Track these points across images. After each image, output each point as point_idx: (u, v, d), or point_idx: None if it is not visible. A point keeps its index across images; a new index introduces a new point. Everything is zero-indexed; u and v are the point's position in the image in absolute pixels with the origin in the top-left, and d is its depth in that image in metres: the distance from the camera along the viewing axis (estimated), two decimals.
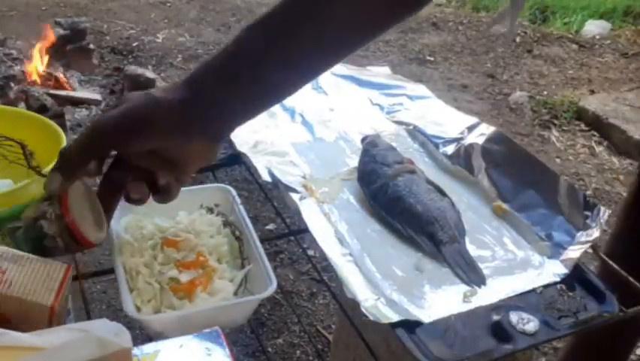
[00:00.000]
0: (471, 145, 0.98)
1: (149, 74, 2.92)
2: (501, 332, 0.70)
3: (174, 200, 0.64)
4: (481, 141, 0.98)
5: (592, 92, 3.32)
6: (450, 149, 1.00)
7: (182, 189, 0.85)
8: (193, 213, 0.79)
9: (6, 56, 2.93)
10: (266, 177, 0.89)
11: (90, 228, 0.61)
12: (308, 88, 1.16)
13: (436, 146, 1.02)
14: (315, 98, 1.14)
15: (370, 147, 0.94)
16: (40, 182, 0.76)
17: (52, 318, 0.57)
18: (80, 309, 0.70)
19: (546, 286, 0.76)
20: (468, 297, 0.74)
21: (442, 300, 0.74)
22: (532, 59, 3.62)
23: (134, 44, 3.55)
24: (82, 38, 3.12)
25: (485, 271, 0.78)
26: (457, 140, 1.00)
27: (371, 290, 0.72)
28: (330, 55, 0.60)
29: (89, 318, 0.68)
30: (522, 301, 0.74)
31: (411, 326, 0.69)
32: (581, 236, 0.81)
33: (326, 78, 1.18)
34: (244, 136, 0.98)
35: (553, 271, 0.78)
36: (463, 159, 0.98)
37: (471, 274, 0.77)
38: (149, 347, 0.55)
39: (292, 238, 0.91)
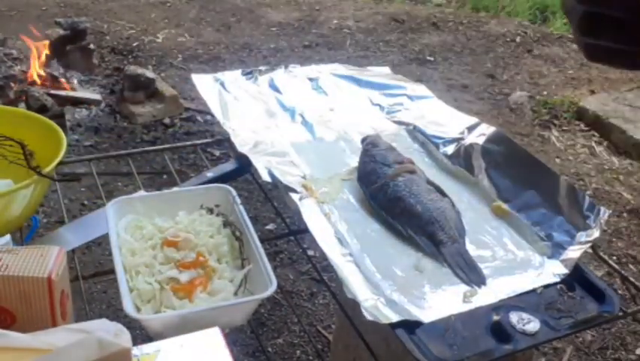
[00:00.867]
0: (471, 145, 0.98)
1: (149, 74, 2.92)
2: (501, 332, 0.70)
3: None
4: (481, 141, 0.98)
5: (592, 92, 3.32)
6: (450, 149, 1.00)
7: (182, 189, 0.86)
8: (193, 213, 0.79)
9: (6, 56, 2.93)
10: (266, 177, 0.89)
11: None
12: (308, 88, 1.16)
13: (436, 146, 1.02)
14: (315, 98, 1.14)
15: (370, 147, 0.94)
16: (41, 182, 0.77)
17: (53, 291, 0.58)
18: (80, 309, 0.70)
19: (546, 287, 0.76)
20: (468, 297, 0.74)
21: (442, 300, 0.74)
22: (532, 59, 3.63)
23: (134, 44, 3.55)
24: (82, 38, 3.12)
25: (485, 271, 0.78)
26: (457, 140, 1.00)
27: (371, 290, 0.72)
28: None
29: (89, 318, 0.68)
30: (522, 301, 0.74)
31: (411, 326, 0.69)
32: (581, 236, 0.81)
33: (326, 78, 1.18)
34: (244, 136, 0.98)
35: (553, 271, 0.78)
36: (463, 159, 0.98)
37: (471, 275, 0.77)
38: (149, 347, 0.55)
39: (292, 238, 0.91)
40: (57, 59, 2.98)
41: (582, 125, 3.04)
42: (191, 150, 2.45)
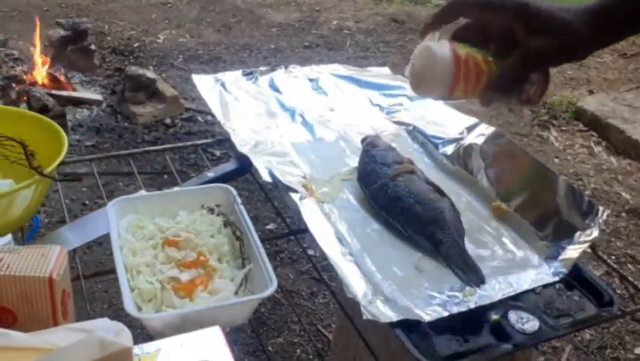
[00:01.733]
0: (470, 145, 0.98)
1: (150, 74, 2.93)
2: (500, 331, 0.70)
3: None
4: (480, 141, 0.98)
5: (591, 92, 3.32)
6: (449, 149, 1.00)
7: (183, 189, 0.86)
8: (194, 213, 0.79)
9: (7, 57, 2.93)
10: (266, 177, 0.89)
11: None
12: (308, 88, 1.16)
13: (436, 146, 1.02)
14: (315, 98, 1.14)
15: (370, 148, 0.94)
16: (42, 182, 0.77)
17: (54, 290, 0.58)
18: (81, 308, 0.70)
19: (545, 286, 0.77)
20: (467, 296, 0.74)
21: (441, 299, 0.74)
22: None
23: (135, 45, 3.55)
24: (83, 39, 3.13)
25: (484, 271, 0.78)
26: (457, 140, 1.01)
27: (371, 290, 0.72)
28: None
29: (90, 317, 0.69)
30: (521, 300, 0.74)
31: (410, 325, 0.69)
32: (580, 236, 0.81)
33: (326, 78, 1.19)
34: (244, 136, 0.98)
35: (552, 270, 0.78)
36: (462, 159, 0.98)
37: (470, 274, 0.77)
38: (150, 346, 0.55)
39: (292, 237, 0.92)
40: (58, 60, 2.99)
41: (581, 126, 3.04)
42: (191, 150, 2.45)
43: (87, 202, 2.25)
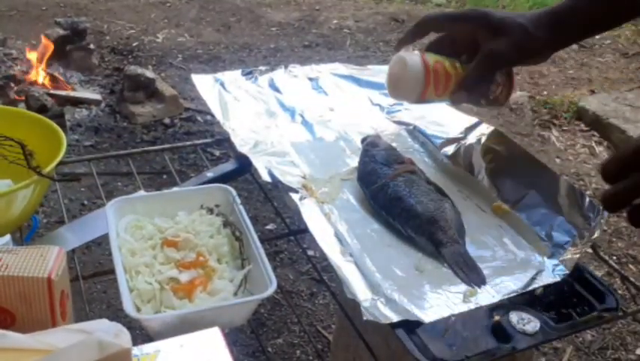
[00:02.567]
0: (471, 145, 0.98)
1: (149, 74, 2.92)
2: (501, 332, 0.70)
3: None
4: (481, 140, 0.98)
5: (592, 92, 3.32)
6: (450, 149, 1.00)
7: (182, 189, 0.86)
8: (193, 213, 0.79)
9: (6, 56, 2.93)
10: (266, 177, 0.89)
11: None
12: (308, 88, 1.16)
13: (436, 146, 1.01)
14: (315, 98, 1.14)
15: (370, 147, 0.94)
16: (41, 182, 0.76)
17: (53, 291, 0.58)
18: (80, 309, 0.70)
19: (546, 287, 0.76)
20: (468, 297, 0.74)
21: (442, 300, 0.74)
22: None
23: (134, 44, 3.55)
24: (82, 38, 3.13)
25: (485, 271, 0.78)
26: (457, 140, 1.00)
27: (371, 290, 0.72)
28: None
29: (89, 318, 0.68)
30: (522, 301, 0.74)
31: (411, 326, 0.68)
32: (581, 236, 0.81)
33: (326, 78, 1.18)
34: (244, 136, 0.98)
35: (553, 271, 0.78)
36: (463, 159, 0.98)
37: (471, 275, 0.77)
38: (149, 347, 0.55)
39: (292, 238, 0.91)
40: (57, 59, 2.99)
41: (582, 125, 3.04)
42: (191, 149, 2.45)
43: (86, 202, 2.25)
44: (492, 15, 0.83)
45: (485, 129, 1.00)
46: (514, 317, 0.71)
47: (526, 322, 0.71)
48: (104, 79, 3.11)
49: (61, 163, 0.80)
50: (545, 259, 0.81)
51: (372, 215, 0.87)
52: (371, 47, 3.82)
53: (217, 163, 1.07)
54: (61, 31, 3.04)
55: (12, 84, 2.73)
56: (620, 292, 1.72)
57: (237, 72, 1.16)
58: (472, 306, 0.72)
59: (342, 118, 1.09)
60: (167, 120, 2.83)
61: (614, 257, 2.18)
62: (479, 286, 0.75)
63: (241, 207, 0.78)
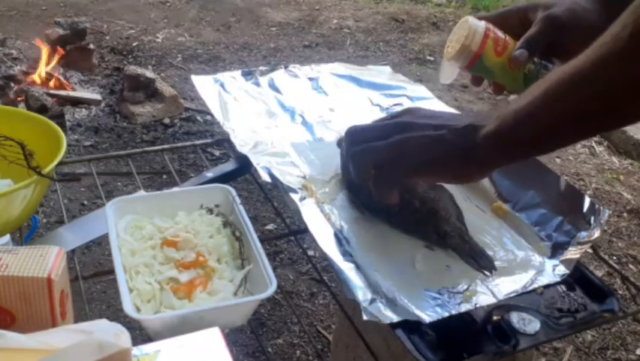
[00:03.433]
0: None
1: (149, 73, 2.92)
2: (501, 332, 0.70)
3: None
4: None
5: None
6: None
7: (182, 189, 0.86)
8: (193, 213, 0.79)
9: (6, 56, 2.93)
10: (266, 177, 0.89)
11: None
12: (308, 88, 1.16)
13: None
14: (315, 98, 1.14)
15: (342, 149, 0.88)
16: (40, 182, 0.76)
17: (53, 291, 0.58)
18: (79, 309, 0.70)
19: (546, 287, 0.76)
20: (468, 297, 0.74)
21: (441, 300, 0.74)
22: None
23: (134, 44, 3.55)
24: (82, 38, 3.13)
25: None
26: None
27: (371, 290, 0.72)
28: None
29: (88, 318, 0.68)
30: (522, 301, 0.74)
31: (411, 326, 0.68)
32: (581, 236, 0.81)
33: (326, 78, 1.18)
34: (244, 136, 0.98)
35: (553, 271, 0.78)
36: None
37: (481, 261, 0.77)
38: (148, 347, 0.55)
39: (292, 238, 0.91)
40: (57, 60, 2.98)
41: None
42: (191, 150, 2.45)
43: (86, 202, 2.25)
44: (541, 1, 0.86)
45: None
46: (514, 317, 0.71)
47: (527, 322, 0.71)
48: (103, 79, 3.11)
49: (61, 163, 0.80)
50: (545, 259, 0.81)
51: (371, 215, 0.87)
52: (371, 46, 3.82)
53: (217, 163, 1.07)
54: (61, 31, 3.04)
55: (12, 84, 2.73)
56: (620, 292, 1.72)
57: (237, 72, 1.16)
58: (472, 306, 0.72)
59: (342, 118, 1.09)
60: (167, 120, 2.83)
61: (614, 257, 2.18)
62: (490, 272, 0.76)
63: (241, 207, 0.78)
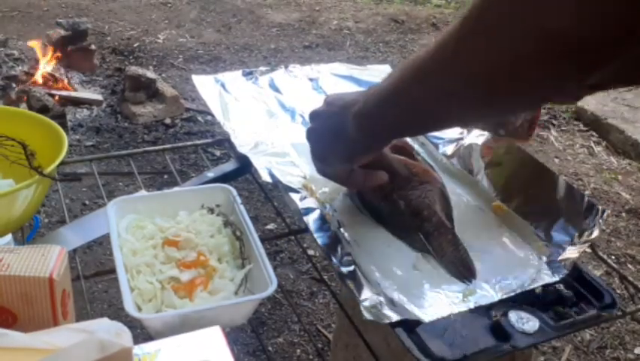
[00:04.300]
0: (470, 145, 0.98)
1: (150, 74, 2.93)
2: (500, 331, 0.70)
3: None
4: (480, 141, 0.98)
5: None
6: (449, 149, 1.00)
7: (183, 189, 0.86)
8: (194, 213, 0.79)
9: (7, 57, 2.93)
10: (266, 177, 0.89)
11: None
12: (308, 88, 1.16)
13: (436, 146, 1.02)
14: (316, 98, 1.14)
15: None
16: (42, 182, 0.77)
17: (54, 290, 0.58)
18: (81, 309, 0.70)
19: (545, 286, 0.76)
20: (467, 296, 0.74)
21: (441, 299, 0.74)
22: None
23: (135, 45, 3.55)
24: (83, 39, 3.13)
25: (485, 271, 0.78)
26: (457, 140, 1.01)
27: (371, 290, 0.72)
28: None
29: (90, 317, 0.69)
30: (521, 300, 0.74)
31: (411, 325, 0.69)
32: (580, 236, 0.81)
33: (326, 78, 1.19)
34: (244, 137, 0.98)
35: (552, 270, 0.78)
36: (462, 159, 0.98)
37: (460, 268, 0.76)
38: (150, 346, 0.55)
39: (292, 237, 0.91)
40: (58, 60, 2.99)
41: (581, 125, 3.04)
42: (191, 150, 2.46)
43: (87, 202, 2.25)
44: None
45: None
46: (513, 316, 0.72)
47: (526, 321, 0.71)
48: (105, 79, 3.11)
49: (62, 163, 0.80)
50: (544, 258, 0.81)
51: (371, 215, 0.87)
52: (371, 47, 3.82)
53: (218, 163, 1.07)
54: (62, 32, 3.04)
55: (14, 85, 2.73)
56: (618, 291, 1.72)
57: (238, 73, 1.17)
58: (471, 305, 0.73)
59: None
60: (168, 120, 2.83)
61: (613, 257, 2.19)
62: (470, 281, 0.75)
63: (242, 206, 0.78)
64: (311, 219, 0.82)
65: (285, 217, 0.97)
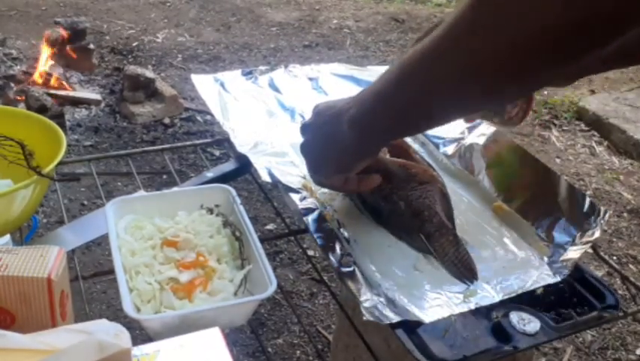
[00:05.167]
0: (471, 145, 0.98)
1: (149, 73, 2.92)
2: (501, 332, 0.70)
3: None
4: (481, 141, 0.98)
5: (592, 92, 3.32)
6: (450, 149, 1.00)
7: (182, 189, 0.86)
8: (193, 213, 0.79)
9: (6, 56, 2.93)
10: (266, 177, 0.88)
11: None
12: (308, 88, 1.16)
13: (436, 146, 1.01)
14: (315, 97, 1.14)
15: None
16: (40, 182, 0.76)
17: (53, 291, 0.58)
18: (80, 309, 0.70)
19: (546, 287, 0.76)
20: (468, 297, 0.74)
21: (442, 300, 0.73)
22: None
23: (134, 44, 3.55)
24: (82, 38, 3.12)
25: (485, 272, 0.77)
26: (458, 140, 1.00)
27: (371, 290, 0.72)
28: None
29: (89, 318, 0.68)
30: (522, 301, 0.74)
31: (411, 326, 0.68)
32: (582, 236, 0.81)
33: (326, 78, 1.18)
34: (244, 137, 0.98)
35: (553, 271, 0.78)
36: (463, 159, 0.98)
37: (462, 269, 0.76)
38: (148, 347, 0.55)
39: (292, 238, 0.91)
40: (57, 59, 2.98)
41: (582, 125, 3.04)
42: (191, 150, 2.45)
43: (86, 202, 2.24)
44: None
45: (485, 129, 1.00)
46: (514, 317, 0.71)
47: (527, 322, 0.71)
48: (103, 79, 3.10)
49: (61, 163, 0.80)
50: (545, 259, 0.81)
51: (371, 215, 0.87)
52: (371, 46, 3.82)
53: (217, 163, 1.07)
54: (61, 31, 3.04)
55: (12, 84, 2.73)
56: (620, 292, 1.72)
57: (237, 72, 1.16)
58: (472, 306, 0.72)
59: None
60: (166, 120, 2.83)
61: (615, 257, 2.18)
62: (472, 282, 0.75)
63: (241, 207, 0.78)
64: (311, 220, 0.81)
65: (285, 217, 0.96)
